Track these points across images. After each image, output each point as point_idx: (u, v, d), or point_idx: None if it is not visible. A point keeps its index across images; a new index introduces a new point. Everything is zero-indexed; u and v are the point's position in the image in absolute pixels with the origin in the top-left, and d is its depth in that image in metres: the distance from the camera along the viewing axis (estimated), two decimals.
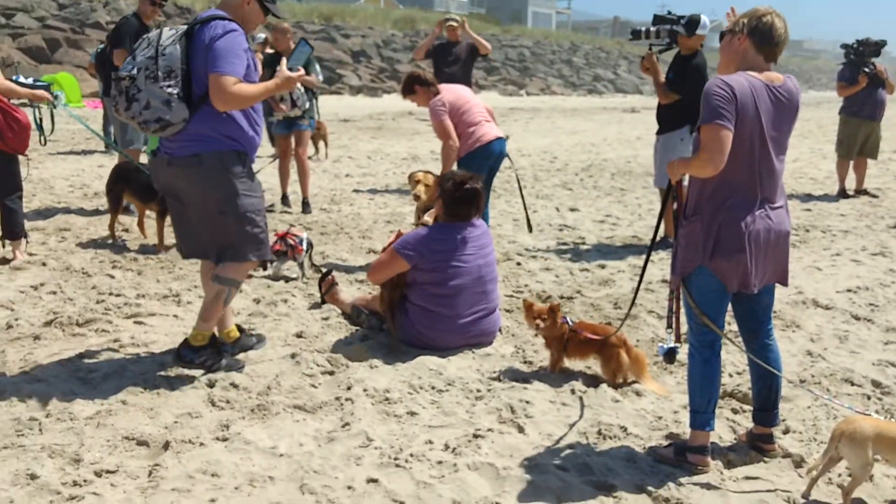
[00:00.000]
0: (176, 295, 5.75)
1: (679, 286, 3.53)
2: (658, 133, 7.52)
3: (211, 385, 4.23)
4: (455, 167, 6.52)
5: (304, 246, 6.29)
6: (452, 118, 6.53)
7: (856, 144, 10.79)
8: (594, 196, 10.80)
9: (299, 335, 5.01)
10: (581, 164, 14.26)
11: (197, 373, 4.35)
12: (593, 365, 4.56)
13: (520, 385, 4.34)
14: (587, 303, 5.90)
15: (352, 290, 5.92)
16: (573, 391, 4.27)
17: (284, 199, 9.29)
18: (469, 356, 4.75)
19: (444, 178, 5.06)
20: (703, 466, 3.48)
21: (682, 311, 3.60)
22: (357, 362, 4.59)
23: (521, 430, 3.84)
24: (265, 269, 6.22)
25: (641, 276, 3.95)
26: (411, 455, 3.54)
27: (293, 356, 4.61)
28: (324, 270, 5.79)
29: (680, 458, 3.52)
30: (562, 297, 5.98)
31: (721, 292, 3.44)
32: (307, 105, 8.69)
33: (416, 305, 4.83)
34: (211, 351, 4.40)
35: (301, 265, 6.30)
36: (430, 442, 3.69)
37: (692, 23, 6.99)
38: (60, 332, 4.94)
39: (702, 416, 3.49)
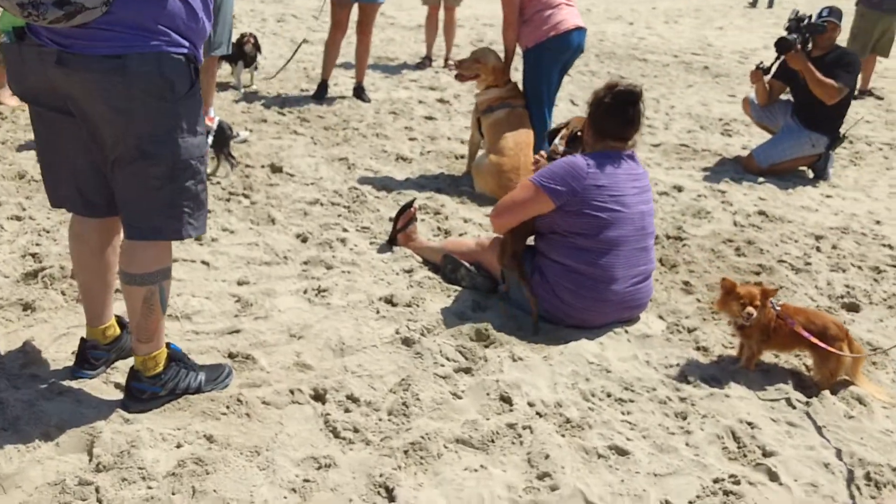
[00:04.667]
0: None
1: None
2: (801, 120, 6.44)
3: (319, 398, 2.99)
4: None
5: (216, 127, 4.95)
6: None
7: (871, 40, 9.92)
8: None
9: (390, 300, 3.76)
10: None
11: (282, 381, 3.09)
12: (786, 355, 3.58)
13: (717, 390, 3.31)
14: (695, 245, 4.85)
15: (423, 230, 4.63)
16: (789, 401, 3.28)
17: (323, 90, 7.20)
18: (623, 338, 3.66)
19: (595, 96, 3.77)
20: None
21: None
22: (490, 349, 3.43)
23: (773, 476, 2.83)
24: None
25: None
26: None
27: (407, 343, 3.39)
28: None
29: None
30: (668, 238, 4.91)
31: None
32: None
33: (556, 263, 3.65)
34: (176, 368, 2.94)
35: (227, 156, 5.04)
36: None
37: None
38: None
39: None
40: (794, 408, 3.25)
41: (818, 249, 4.97)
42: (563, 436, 2.93)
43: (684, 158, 6.64)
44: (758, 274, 4.52)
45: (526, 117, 5.30)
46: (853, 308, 4.23)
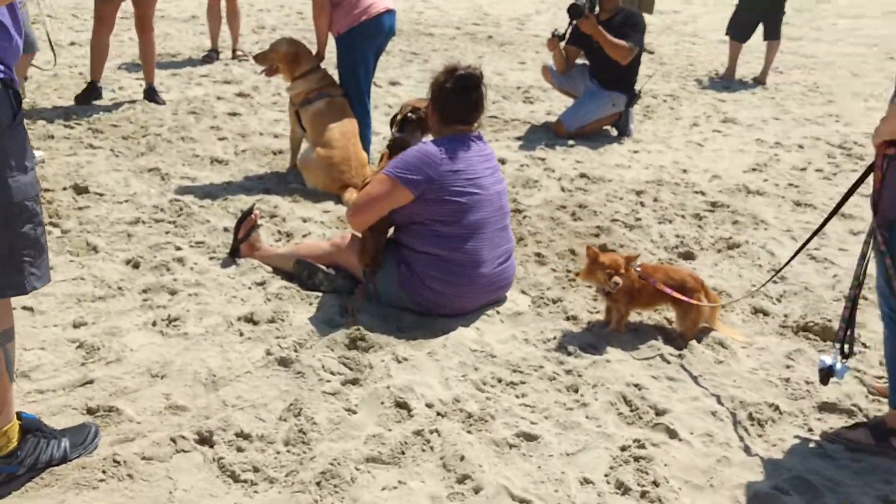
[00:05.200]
0: None
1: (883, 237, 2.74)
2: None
3: (205, 441, 2.72)
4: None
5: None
6: None
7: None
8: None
9: (250, 319, 3.50)
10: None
11: (158, 430, 2.78)
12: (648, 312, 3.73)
13: (597, 357, 3.38)
14: (534, 216, 4.94)
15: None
16: (663, 357, 3.42)
17: (92, 92, 6.59)
18: (496, 319, 3.65)
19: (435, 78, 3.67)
20: None
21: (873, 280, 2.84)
22: (371, 353, 3.29)
23: (672, 434, 2.93)
24: None
25: None
26: None
27: (284, 363, 3.16)
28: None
29: (882, 443, 2.88)
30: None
31: None
32: None
33: (422, 253, 3.55)
34: (34, 440, 2.53)
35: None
36: (589, 482, 2.65)
37: None
38: None
39: None
40: (669, 363, 3.39)
41: (642, 204, 5.22)
42: (470, 432, 2.86)
43: (497, 130, 6.75)
44: (597, 236, 4.67)
45: (347, 106, 5.13)
46: (689, 256, 4.48)
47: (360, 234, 3.70)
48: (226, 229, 4.34)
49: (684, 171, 5.95)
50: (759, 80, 9.20)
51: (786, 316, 3.85)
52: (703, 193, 5.46)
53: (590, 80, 6.70)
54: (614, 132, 6.80)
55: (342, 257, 3.78)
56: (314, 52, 5.24)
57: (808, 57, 10.83)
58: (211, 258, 4.06)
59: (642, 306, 3.64)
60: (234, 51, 8.59)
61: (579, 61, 6.90)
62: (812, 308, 3.92)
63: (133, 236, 4.23)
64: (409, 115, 3.85)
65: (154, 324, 3.43)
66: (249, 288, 3.78)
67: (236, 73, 7.94)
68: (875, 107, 8.32)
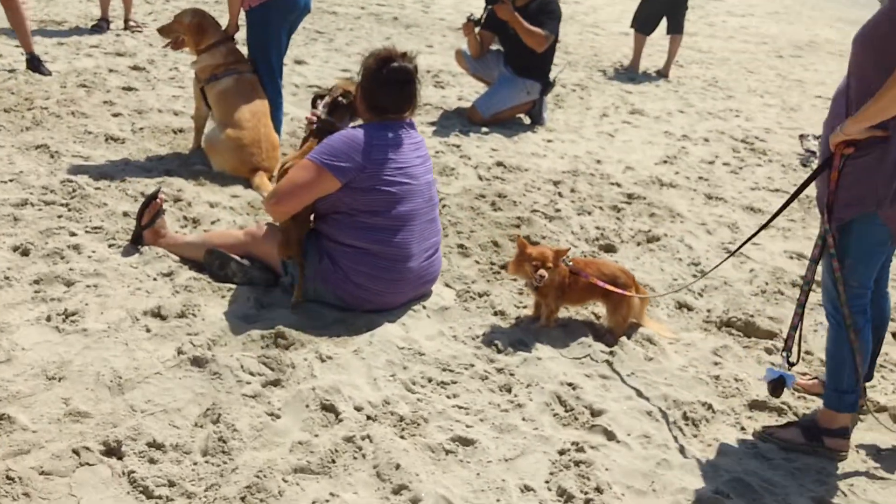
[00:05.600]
0: None
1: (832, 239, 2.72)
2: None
3: (113, 452, 2.45)
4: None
5: None
6: None
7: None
8: None
9: (158, 314, 3.21)
10: None
11: (57, 440, 2.50)
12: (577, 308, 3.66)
13: (528, 354, 3.28)
14: (454, 205, 4.80)
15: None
16: (593, 357, 3.34)
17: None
18: (423, 314, 3.49)
19: (366, 57, 3.45)
20: (843, 451, 2.89)
21: (827, 276, 2.84)
22: (292, 351, 3.07)
23: (610, 435, 2.85)
24: None
25: None
26: None
27: (198, 363, 2.91)
28: None
29: (814, 443, 2.89)
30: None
31: (885, 244, 2.75)
32: None
33: (347, 246, 3.35)
34: None
35: None
36: (530, 489, 2.54)
37: None
38: None
39: (850, 396, 2.86)
40: (600, 361, 3.31)
41: (560, 195, 5.16)
42: (403, 437, 2.70)
43: None
44: (518, 227, 4.57)
45: (257, 83, 4.82)
46: (610, 249, 4.45)
47: (278, 223, 3.46)
48: (125, 214, 4.01)
49: (598, 161, 5.94)
50: (663, 73, 9.34)
51: (709, 311, 3.86)
52: (618, 185, 5.45)
53: (504, 66, 6.60)
54: (527, 120, 6.72)
55: (258, 247, 3.54)
56: (224, 24, 4.91)
57: (705, 52, 11.09)
58: (110, 245, 3.72)
59: (573, 302, 3.56)
60: (126, 21, 8.05)
61: (493, 47, 6.78)
62: (733, 303, 3.95)
63: (20, 220, 3.84)
64: (340, 98, 3.63)
65: (48, 318, 3.10)
66: (155, 279, 3.48)
67: (129, 44, 7.44)
68: (770, 103, 8.59)
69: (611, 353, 3.36)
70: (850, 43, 2.68)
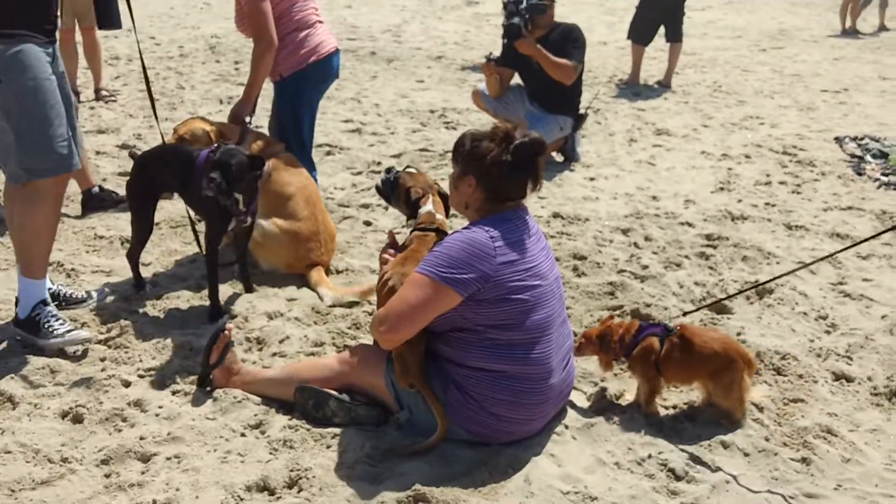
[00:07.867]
0: None
1: None
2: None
3: None
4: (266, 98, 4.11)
5: None
6: (274, 8, 4.07)
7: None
8: None
9: (265, 487, 2.59)
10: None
11: None
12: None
13: (714, 477, 2.73)
14: None
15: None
16: (784, 470, 2.81)
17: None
18: (568, 437, 2.92)
19: (465, 139, 2.88)
20: None
21: None
22: None
23: None
24: None
25: None
26: None
27: None
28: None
29: None
30: None
31: None
32: None
33: (477, 370, 2.76)
34: None
35: None
36: None
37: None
38: None
39: None
40: (798, 473, 2.78)
41: (637, 246, 4.65)
42: None
43: (436, 166, 6.00)
44: (612, 294, 4.04)
45: (297, 163, 4.20)
46: (724, 311, 3.93)
47: (385, 347, 2.86)
48: (179, 346, 3.37)
49: (654, 198, 5.45)
50: (664, 84, 8.95)
51: (869, 379, 3.36)
52: (690, 225, 4.96)
53: (530, 104, 6.08)
54: (559, 157, 6.21)
55: (358, 377, 2.95)
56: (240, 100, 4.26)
57: (690, 54, 10.72)
58: (174, 393, 3.08)
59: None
60: (97, 91, 7.36)
61: (512, 82, 6.26)
62: (888, 364, 3.45)
63: (58, 371, 3.18)
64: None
65: None
66: (243, 434, 2.85)
67: (107, 118, 6.75)
68: (784, 104, 8.22)
69: (803, 460, 2.82)
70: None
